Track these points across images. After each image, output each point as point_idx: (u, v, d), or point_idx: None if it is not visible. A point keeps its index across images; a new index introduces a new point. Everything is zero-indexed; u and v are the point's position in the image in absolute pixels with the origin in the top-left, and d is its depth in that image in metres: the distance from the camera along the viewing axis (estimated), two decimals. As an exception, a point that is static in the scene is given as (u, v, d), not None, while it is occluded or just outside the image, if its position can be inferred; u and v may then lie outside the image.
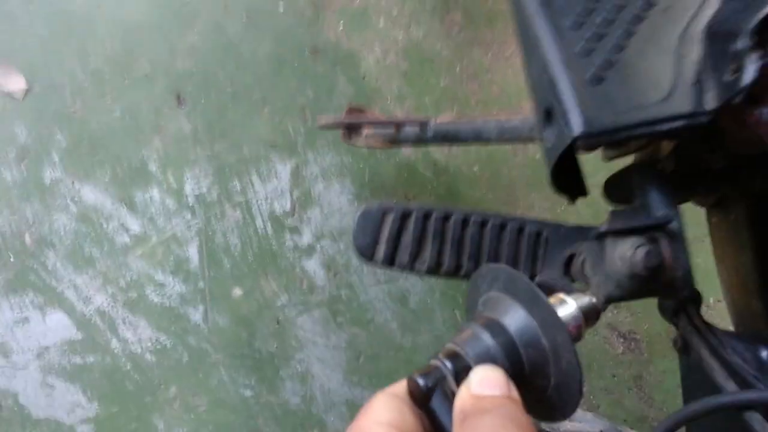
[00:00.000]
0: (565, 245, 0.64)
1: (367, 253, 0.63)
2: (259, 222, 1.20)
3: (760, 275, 0.72)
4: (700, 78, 0.55)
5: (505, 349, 0.39)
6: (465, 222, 0.63)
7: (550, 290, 0.46)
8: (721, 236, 0.78)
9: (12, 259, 1.06)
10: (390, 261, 0.62)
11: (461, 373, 0.38)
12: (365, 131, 1.11)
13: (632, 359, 1.34)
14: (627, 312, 1.38)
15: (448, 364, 0.38)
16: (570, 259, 0.64)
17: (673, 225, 0.58)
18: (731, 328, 0.79)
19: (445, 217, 0.63)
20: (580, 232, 0.64)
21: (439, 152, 1.32)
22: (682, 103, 0.54)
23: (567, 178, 0.62)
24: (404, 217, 0.63)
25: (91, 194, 1.12)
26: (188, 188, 1.16)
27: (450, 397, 0.37)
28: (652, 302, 0.65)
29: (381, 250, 0.62)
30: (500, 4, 1.40)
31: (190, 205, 1.16)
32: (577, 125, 0.53)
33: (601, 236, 0.59)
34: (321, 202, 1.24)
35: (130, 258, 1.12)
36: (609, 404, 1.32)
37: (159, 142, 1.16)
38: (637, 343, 1.35)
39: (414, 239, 0.63)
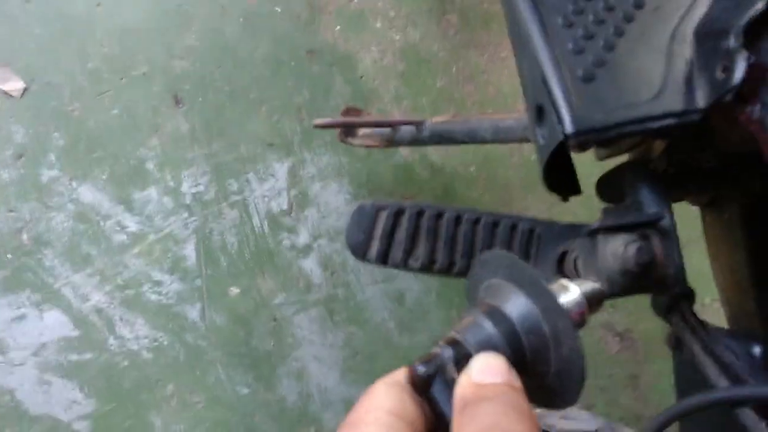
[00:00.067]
0: (558, 242, 0.64)
1: (360, 250, 0.63)
2: (256, 221, 1.20)
3: (754, 274, 0.73)
4: (691, 76, 0.55)
5: (506, 336, 0.38)
6: (458, 220, 0.64)
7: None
8: (715, 235, 0.79)
9: (9, 257, 1.07)
10: (383, 258, 0.63)
11: (462, 360, 0.37)
12: (361, 131, 1.12)
13: (628, 359, 1.35)
14: (623, 312, 1.39)
15: (449, 352, 0.37)
16: (563, 257, 0.64)
17: (665, 222, 0.58)
18: (726, 327, 0.79)
19: (438, 215, 0.63)
20: (573, 230, 0.64)
21: (436, 153, 1.33)
22: (673, 102, 0.55)
23: (560, 177, 0.63)
24: (397, 214, 0.63)
25: (88, 193, 1.12)
26: (185, 187, 1.17)
27: (450, 385, 0.37)
28: (647, 302, 0.65)
29: (374, 247, 0.63)
30: (496, 6, 1.40)
31: (188, 203, 1.17)
32: (568, 123, 0.54)
33: (593, 233, 0.59)
34: (318, 201, 1.24)
35: (127, 256, 1.12)
36: (605, 403, 1.33)
37: (156, 141, 1.17)
38: (632, 343, 1.36)
39: (407, 236, 0.63)
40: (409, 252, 0.63)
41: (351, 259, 1.24)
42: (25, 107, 1.12)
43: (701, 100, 0.54)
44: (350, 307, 1.23)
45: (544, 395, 0.41)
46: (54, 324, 1.08)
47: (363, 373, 1.21)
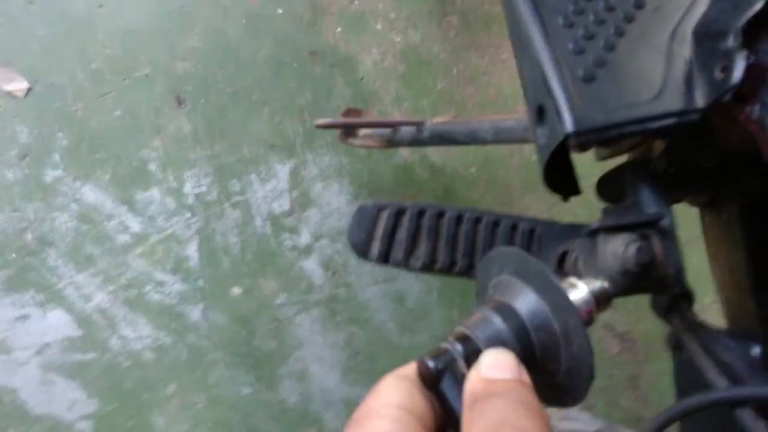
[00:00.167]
0: (558, 242, 0.65)
1: (361, 249, 0.63)
2: (258, 221, 1.21)
3: (753, 274, 0.73)
4: (691, 76, 0.56)
5: (515, 332, 0.39)
6: (459, 219, 0.64)
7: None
8: (714, 235, 0.79)
9: (13, 257, 1.07)
10: (384, 257, 0.63)
11: (471, 356, 0.37)
12: (362, 132, 1.12)
13: (628, 359, 1.35)
14: (623, 312, 1.39)
15: (459, 347, 0.37)
16: (563, 257, 0.65)
17: (665, 222, 0.58)
18: (725, 327, 0.79)
19: (440, 215, 0.64)
20: (573, 230, 0.65)
21: (436, 154, 1.33)
22: (673, 101, 0.55)
23: (560, 177, 0.63)
24: (399, 214, 0.63)
25: (91, 193, 1.13)
26: (188, 188, 1.17)
27: (460, 380, 0.37)
28: (647, 303, 0.65)
29: (375, 247, 0.63)
30: (496, 7, 1.41)
31: (190, 204, 1.17)
32: (568, 123, 0.54)
33: (593, 233, 0.60)
34: (319, 202, 1.25)
35: (130, 256, 1.13)
36: (605, 404, 1.33)
37: (159, 142, 1.17)
38: (633, 344, 1.36)
39: (408, 236, 0.63)
40: (410, 251, 0.63)
41: (352, 260, 1.24)
42: (29, 107, 1.12)
43: (700, 100, 0.54)
44: (351, 308, 1.23)
45: (553, 392, 0.41)
46: (57, 324, 1.08)
47: (364, 373, 1.21)
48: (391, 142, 1.11)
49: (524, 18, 0.62)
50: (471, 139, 0.99)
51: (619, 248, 0.57)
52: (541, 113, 0.58)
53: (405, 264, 0.63)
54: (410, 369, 0.38)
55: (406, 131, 1.08)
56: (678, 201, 0.73)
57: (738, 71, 0.51)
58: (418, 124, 1.06)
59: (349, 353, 1.22)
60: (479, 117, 1.00)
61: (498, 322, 0.39)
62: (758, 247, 0.72)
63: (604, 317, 1.38)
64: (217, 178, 1.19)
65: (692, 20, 0.58)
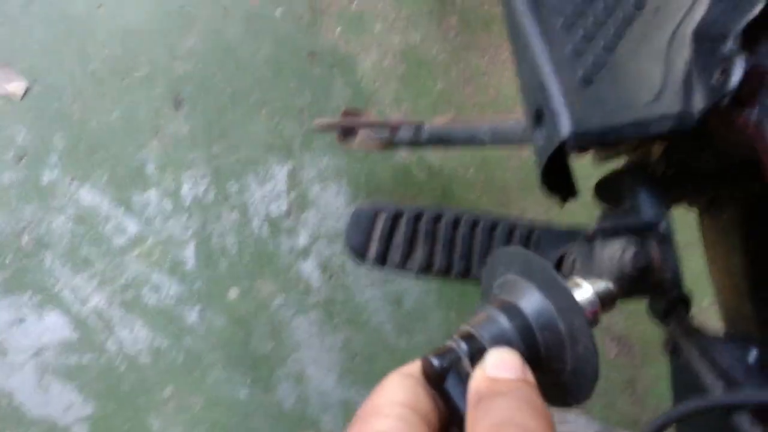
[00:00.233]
0: (556, 246, 0.65)
1: (359, 252, 0.63)
2: (255, 223, 1.20)
3: (751, 277, 0.72)
4: (690, 79, 0.55)
5: (520, 332, 0.38)
6: (456, 222, 0.64)
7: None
8: (713, 238, 0.79)
9: (9, 259, 1.07)
10: (382, 260, 0.63)
11: (476, 354, 0.37)
12: (360, 133, 1.12)
13: (625, 363, 1.34)
14: (620, 316, 1.38)
15: (463, 346, 0.37)
16: (561, 260, 0.64)
17: (662, 226, 0.58)
18: (722, 329, 0.79)
19: (437, 218, 0.64)
20: (571, 233, 0.65)
21: (434, 155, 1.33)
22: (671, 105, 0.55)
23: (558, 179, 0.63)
24: (396, 217, 0.63)
25: (88, 195, 1.12)
26: (185, 189, 1.17)
27: (465, 379, 0.36)
28: (644, 306, 0.65)
29: (373, 249, 0.63)
30: (496, 8, 1.41)
31: (188, 206, 1.17)
32: (566, 127, 0.54)
33: (591, 237, 0.60)
34: (317, 204, 1.24)
35: (127, 259, 1.13)
36: (602, 407, 1.33)
37: (157, 143, 1.17)
38: (630, 347, 1.35)
39: (406, 239, 0.63)
40: (407, 255, 0.63)
41: (350, 262, 1.24)
42: (27, 108, 1.12)
43: (699, 103, 0.54)
44: (349, 310, 1.23)
45: (557, 392, 0.41)
46: (54, 326, 1.08)
47: (361, 375, 1.21)
48: (390, 144, 1.10)
49: (523, 19, 0.61)
50: (469, 140, 0.98)
51: (616, 252, 0.57)
52: (539, 116, 0.58)
53: (402, 267, 0.63)
54: (415, 367, 0.38)
55: (405, 132, 1.07)
56: (677, 202, 0.72)
57: (736, 75, 0.51)
58: (417, 126, 1.06)
59: (347, 355, 1.21)
60: (478, 119, 0.99)
61: (503, 322, 0.39)
62: (756, 250, 0.72)
63: (601, 320, 1.37)
64: (215, 179, 1.19)
65: (692, 22, 0.58)
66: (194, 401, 1.12)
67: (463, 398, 0.36)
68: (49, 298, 1.08)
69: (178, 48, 1.21)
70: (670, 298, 0.61)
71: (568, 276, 0.63)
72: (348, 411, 1.19)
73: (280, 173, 1.23)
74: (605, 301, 0.45)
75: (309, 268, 1.22)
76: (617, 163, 0.71)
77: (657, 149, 0.69)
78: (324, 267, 1.23)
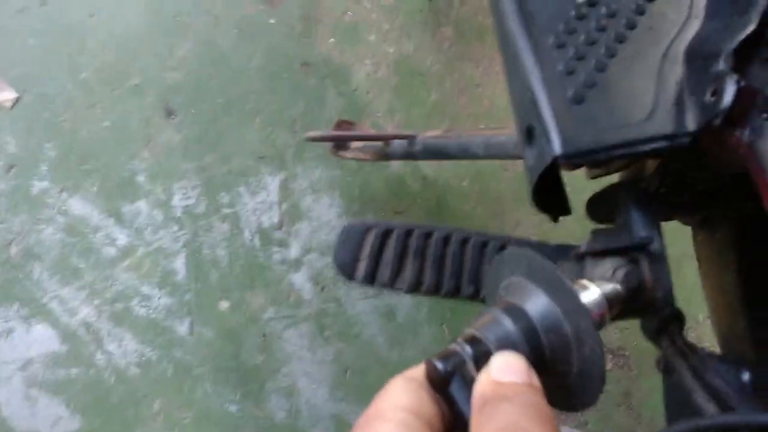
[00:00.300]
0: (547, 264, 0.64)
1: (347, 270, 0.62)
2: (246, 234, 1.19)
3: (745, 296, 0.72)
4: (681, 99, 0.55)
5: (526, 334, 0.38)
6: (446, 240, 0.63)
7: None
8: (707, 255, 0.78)
9: (-3, 270, 1.06)
10: (370, 278, 0.62)
11: (481, 358, 0.37)
12: (354, 145, 1.12)
13: (621, 375, 1.34)
14: (616, 328, 1.38)
15: (468, 349, 0.37)
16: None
17: (654, 246, 0.58)
18: (718, 346, 0.78)
19: (427, 235, 0.63)
20: (563, 251, 0.64)
21: (428, 166, 1.32)
22: (663, 124, 0.54)
23: (550, 196, 0.62)
24: (386, 234, 0.63)
25: (78, 205, 1.11)
26: (176, 200, 1.16)
27: (469, 383, 0.36)
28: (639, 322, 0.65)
29: (361, 268, 0.62)
30: (490, 19, 1.40)
31: (178, 216, 1.16)
32: (557, 145, 0.53)
33: (581, 256, 0.59)
34: (309, 215, 1.23)
35: (117, 270, 1.11)
36: (598, 420, 1.32)
37: (148, 153, 1.16)
38: (626, 360, 1.35)
39: (395, 257, 0.62)
40: (396, 273, 0.62)
41: (342, 274, 1.22)
42: (17, 118, 1.11)
43: (691, 123, 0.53)
44: (340, 322, 1.22)
45: (563, 396, 0.40)
46: (42, 338, 1.07)
47: (353, 389, 1.20)
48: (383, 156, 1.10)
49: (514, 37, 0.61)
50: (463, 153, 0.98)
51: (607, 272, 0.56)
52: (530, 134, 0.58)
53: (391, 285, 0.62)
54: (418, 371, 0.38)
55: (398, 144, 1.07)
56: (670, 219, 0.72)
57: (728, 95, 0.51)
58: (410, 138, 1.05)
59: (338, 369, 1.20)
60: (471, 131, 0.99)
61: (508, 324, 0.38)
62: (750, 269, 0.72)
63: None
64: (205, 190, 1.18)
65: (684, 40, 0.57)
66: (183, 415, 1.11)
67: (468, 402, 0.36)
68: (38, 310, 1.07)
69: (171, 57, 1.21)
70: (662, 317, 0.60)
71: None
72: (339, 424, 1.18)
73: (272, 184, 1.22)
74: (613, 302, 0.44)
75: (300, 280, 1.21)
76: (611, 178, 0.70)
77: (652, 163, 0.69)
78: (316, 279, 1.22)
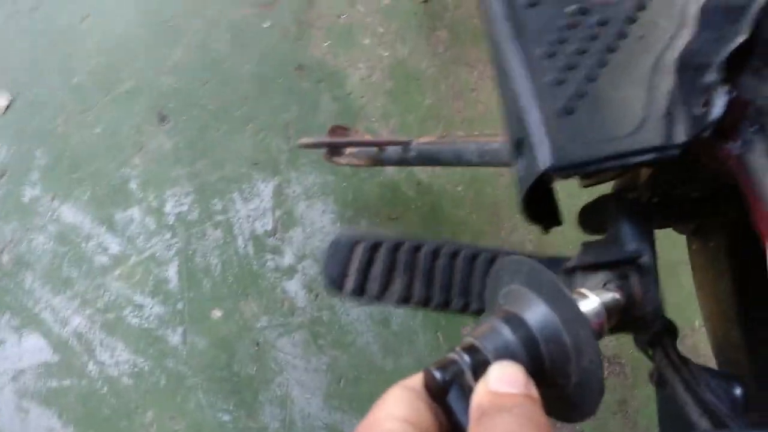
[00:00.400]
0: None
1: (335, 283, 0.62)
2: (240, 242, 1.18)
3: (739, 304, 0.71)
4: (672, 110, 0.54)
5: (524, 344, 0.38)
6: (436, 253, 0.62)
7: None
8: (701, 263, 0.77)
9: (-13, 280, 1.05)
10: (359, 292, 0.61)
11: (479, 367, 0.36)
12: (348, 150, 1.11)
13: (617, 384, 1.33)
14: (611, 336, 1.37)
15: (466, 358, 0.37)
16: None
17: (644, 260, 0.57)
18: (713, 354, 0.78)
19: (416, 248, 0.62)
20: (554, 264, 0.63)
21: (422, 172, 1.32)
22: (653, 136, 0.54)
23: (540, 207, 0.62)
24: (374, 247, 0.62)
25: (70, 213, 1.11)
26: (169, 207, 1.15)
27: (467, 393, 0.36)
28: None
29: (350, 281, 0.61)
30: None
31: (171, 224, 1.15)
32: (546, 158, 0.53)
33: (570, 271, 0.58)
34: (303, 221, 1.22)
35: (109, 279, 1.11)
36: (593, 428, 1.31)
37: (140, 160, 1.15)
38: (621, 368, 1.34)
39: (384, 270, 0.62)
40: (385, 286, 0.62)
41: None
42: (8, 124, 1.11)
43: (681, 135, 0.53)
44: (334, 331, 1.21)
45: (561, 407, 0.40)
46: (33, 349, 1.06)
47: (347, 398, 1.19)
48: (377, 161, 1.09)
49: (504, 47, 0.60)
50: (457, 160, 0.97)
51: (597, 286, 0.55)
52: (519, 146, 0.57)
53: (380, 299, 0.62)
54: (416, 379, 0.37)
55: (393, 150, 1.06)
56: (663, 228, 0.71)
57: (718, 107, 0.50)
58: (404, 144, 1.04)
59: (332, 378, 1.19)
60: (465, 137, 0.98)
61: (507, 333, 0.38)
62: (744, 277, 0.71)
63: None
64: (198, 197, 1.17)
65: (675, 50, 0.57)
66: (176, 425, 1.10)
67: (466, 413, 0.35)
68: (29, 320, 1.06)
69: (164, 62, 1.20)
70: (654, 330, 0.60)
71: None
72: (332, 435, 1.17)
73: (266, 190, 1.21)
74: (611, 312, 0.44)
75: (294, 287, 1.20)
76: (605, 186, 0.70)
77: (645, 172, 0.68)
78: (309, 286, 1.21)
